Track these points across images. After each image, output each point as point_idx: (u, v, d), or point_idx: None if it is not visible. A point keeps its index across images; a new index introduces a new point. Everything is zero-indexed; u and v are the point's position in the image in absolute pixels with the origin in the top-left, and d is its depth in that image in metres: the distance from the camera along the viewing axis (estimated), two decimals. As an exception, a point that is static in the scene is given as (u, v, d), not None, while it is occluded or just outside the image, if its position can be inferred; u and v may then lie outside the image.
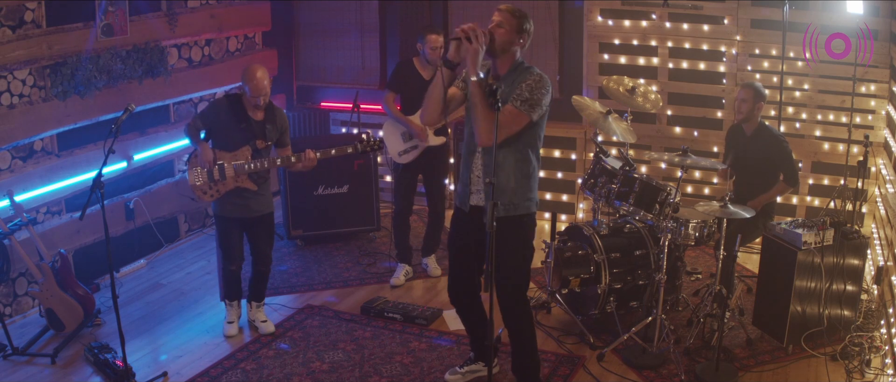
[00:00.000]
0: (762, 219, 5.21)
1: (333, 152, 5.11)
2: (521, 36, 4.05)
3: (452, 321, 5.44)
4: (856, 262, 4.92)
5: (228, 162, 4.99)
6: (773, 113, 6.30)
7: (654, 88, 6.44)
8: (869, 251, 5.41)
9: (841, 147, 6.28)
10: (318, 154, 5.06)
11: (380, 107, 7.30)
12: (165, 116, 6.85)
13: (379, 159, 7.10)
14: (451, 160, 6.71)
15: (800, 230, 4.76)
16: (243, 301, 5.51)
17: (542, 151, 7.08)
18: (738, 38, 6.54)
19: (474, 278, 4.37)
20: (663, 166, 6.90)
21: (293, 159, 5.08)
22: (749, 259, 6.23)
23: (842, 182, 6.01)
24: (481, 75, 3.91)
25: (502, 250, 3.98)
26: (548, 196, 7.38)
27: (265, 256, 5.30)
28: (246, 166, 5.00)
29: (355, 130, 7.40)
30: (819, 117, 6.45)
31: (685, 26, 6.69)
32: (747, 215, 4.64)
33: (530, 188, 4.13)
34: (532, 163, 4.12)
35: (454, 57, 3.99)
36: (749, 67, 6.55)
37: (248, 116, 5.02)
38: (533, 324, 4.35)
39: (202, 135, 5.08)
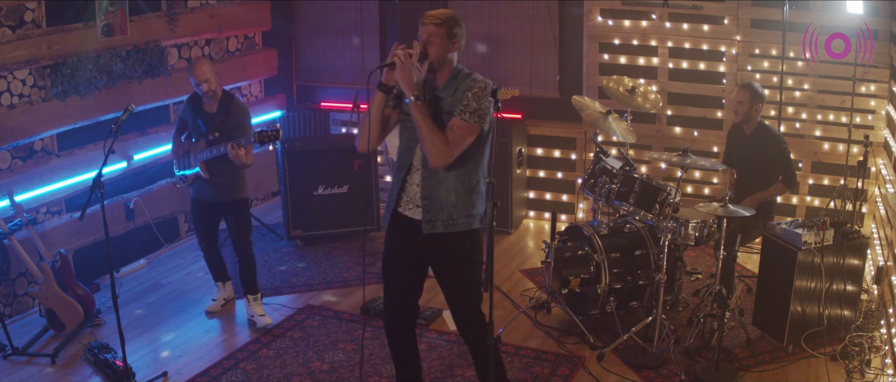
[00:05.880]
0: (762, 219, 5.21)
1: (243, 144, 5.10)
2: (453, 42, 3.81)
3: (452, 321, 5.43)
4: (856, 262, 4.92)
5: (194, 153, 5.33)
6: (773, 113, 6.30)
7: (654, 88, 6.44)
8: (869, 251, 5.41)
9: (841, 147, 6.28)
10: (239, 148, 5.04)
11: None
12: (165, 116, 6.85)
13: (379, 159, 7.10)
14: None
15: (800, 230, 4.76)
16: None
17: (541, 151, 7.23)
18: (738, 38, 6.54)
19: (415, 300, 4.16)
20: (663, 166, 6.90)
21: (224, 149, 5.11)
22: (749, 259, 6.23)
23: (842, 182, 6.01)
24: (416, 97, 3.71)
25: (453, 266, 3.91)
26: (548, 196, 7.38)
27: (239, 244, 5.42)
28: (197, 156, 5.28)
29: (355, 131, 7.40)
30: (819, 117, 6.45)
31: (685, 26, 6.69)
32: (747, 215, 4.64)
33: (472, 204, 3.88)
34: (476, 176, 3.88)
35: (388, 80, 3.84)
36: (749, 67, 6.55)
37: (203, 111, 5.29)
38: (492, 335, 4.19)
39: (185, 134, 5.47)
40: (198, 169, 5.29)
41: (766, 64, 6.50)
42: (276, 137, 5.10)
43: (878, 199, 6.00)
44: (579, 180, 7.02)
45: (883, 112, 6.19)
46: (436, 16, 3.81)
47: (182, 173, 5.45)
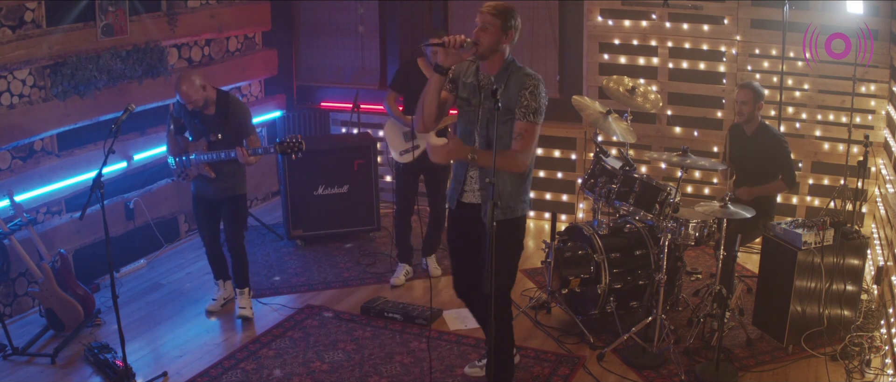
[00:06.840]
0: (762, 219, 5.20)
1: (254, 154, 5.24)
2: (507, 34, 3.98)
3: (452, 321, 5.44)
4: (856, 262, 4.92)
5: (195, 153, 5.35)
6: (773, 113, 6.30)
7: (654, 88, 6.44)
8: (869, 251, 5.41)
9: (841, 147, 6.28)
10: (248, 153, 5.19)
11: (380, 107, 7.30)
12: (165, 117, 6.83)
13: (379, 159, 7.10)
14: (452, 161, 6.71)
15: (800, 230, 4.76)
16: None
17: (541, 151, 7.23)
18: (738, 38, 6.54)
19: (478, 272, 4.32)
20: (663, 166, 6.90)
21: (235, 154, 5.21)
22: (749, 259, 6.23)
23: (842, 182, 6.01)
24: (472, 159, 3.98)
25: (504, 249, 4.00)
26: (548, 196, 7.38)
27: (231, 238, 5.51)
28: (201, 157, 5.30)
29: (355, 131, 7.40)
30: (819, 117, 6.45)
31: (685, 26, 6.69)
32: (747, 215, 4.64)
33: (524, 191, 4.16)
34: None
35: (444, 62, 3.93)
36: (749, 67, 6.55)
37: (201, 113, 5.30)
38: (510, 325, 4.32)
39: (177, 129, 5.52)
40: (195, 157, 5.33)
41: (766, 64, 6.50)
42: (299, 148, 5.21)
43: (878, 199, 6.00)
44: (579, 180, 7.02)
45: (883, 112, 6.19)
46: (493, 6, 3.97)
47: (181, 159, 5.38)
